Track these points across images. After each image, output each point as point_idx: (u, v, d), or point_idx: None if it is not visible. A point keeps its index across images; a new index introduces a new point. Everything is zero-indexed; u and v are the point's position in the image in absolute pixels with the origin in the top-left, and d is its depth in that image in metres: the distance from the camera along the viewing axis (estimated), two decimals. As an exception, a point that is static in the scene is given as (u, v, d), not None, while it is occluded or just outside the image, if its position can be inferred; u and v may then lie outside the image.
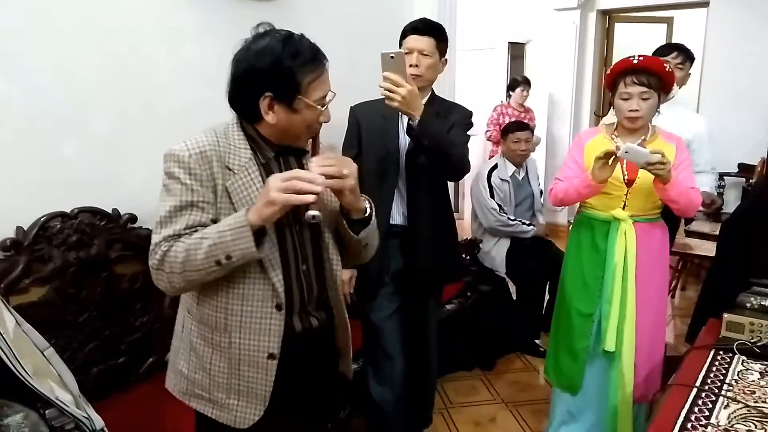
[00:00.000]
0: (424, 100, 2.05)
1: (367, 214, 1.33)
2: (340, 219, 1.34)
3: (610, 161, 1.93)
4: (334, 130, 1.44)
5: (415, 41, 2.00)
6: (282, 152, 1.31)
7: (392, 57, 1.69)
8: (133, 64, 1.94)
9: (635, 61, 1.98)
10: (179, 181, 1.21)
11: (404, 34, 2.06)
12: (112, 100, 1.90)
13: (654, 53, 2.78)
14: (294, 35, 1.23)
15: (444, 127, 1.99)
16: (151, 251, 1.21)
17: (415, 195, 2.07)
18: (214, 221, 1.21)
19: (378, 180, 2.05)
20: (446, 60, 2.10)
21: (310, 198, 1.13)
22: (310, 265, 1.35)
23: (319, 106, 1.23)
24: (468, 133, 2.10)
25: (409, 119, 1.82)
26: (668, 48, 2.81)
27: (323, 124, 1.29)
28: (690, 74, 2.85)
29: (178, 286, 1.22)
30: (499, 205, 3.26)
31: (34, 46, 1.72)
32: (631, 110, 2.00)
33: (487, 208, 3.26)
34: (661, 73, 1.99)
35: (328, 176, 1.18)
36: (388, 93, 1.74)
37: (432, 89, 2.12)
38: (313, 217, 1.15)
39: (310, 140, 1.32)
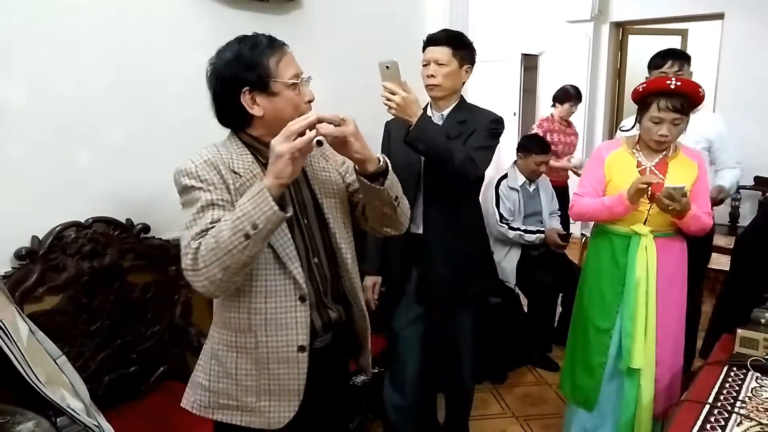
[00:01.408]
0: (449, 108, 2.10)
1: (381, 163, 1.30)
2: (359, 186, 1.34)
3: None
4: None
5: (431, 52, 2.06)
6: None
7: (387, 66, 1.75)
8: (147, 76, 1.97)
9: (672, 86, 1.94)
10: (194, 188, 1.23)
11: (423, 46, 2.11)
12: (126, 111, 1.93)
13: (650, 65, 2.73)
14: (248, 35, 1.29)
15: (465, 131, 2.02)
16: (183, 255, 1.19)
17: (431, 204, 2.09)
18: None
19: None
20: (470, 68, 2.11)
21: (312, 134, 1.12)
22: (322, 257, 1.36)
23: (295, 81, 1.26)
24: (495, 137, 2.10)
25: (408, 126, 1.85)
26: (660, 58, 2.71)
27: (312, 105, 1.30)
28: (692, 72, 2.73)
29: (217, 278, 1.16)
30: (501, 215, 3.24)
31: (50, 59, 1.75)
32: (661, 134, 1.99)
33: (490, 216, 3.25)
34: (695, 97, 1.97)
35: (326, 120, 1.17)
36: (386, 101, 1.80)
37: (462, 96, 2.16)
38: (318, 142, 1.13)
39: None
